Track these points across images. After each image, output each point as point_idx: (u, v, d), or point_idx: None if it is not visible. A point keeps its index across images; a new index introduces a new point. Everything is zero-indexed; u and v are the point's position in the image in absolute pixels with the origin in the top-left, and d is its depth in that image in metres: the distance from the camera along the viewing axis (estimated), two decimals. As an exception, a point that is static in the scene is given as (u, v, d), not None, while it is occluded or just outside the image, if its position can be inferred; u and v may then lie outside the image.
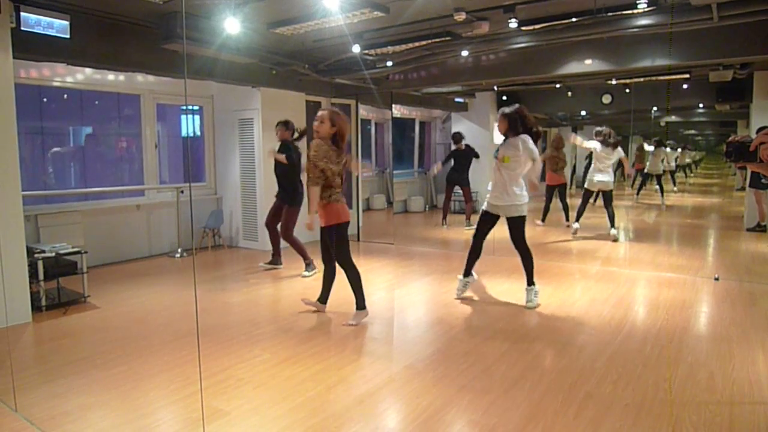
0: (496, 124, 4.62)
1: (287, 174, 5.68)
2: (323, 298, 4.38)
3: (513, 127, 4.37)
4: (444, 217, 8.98)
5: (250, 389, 2.99)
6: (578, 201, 8.76)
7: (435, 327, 4.08)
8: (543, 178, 8.81)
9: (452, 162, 8.92)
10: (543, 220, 8.82)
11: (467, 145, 8.94)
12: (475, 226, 4.65)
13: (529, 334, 3.88)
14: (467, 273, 4.72)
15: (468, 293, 4.85)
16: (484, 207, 4.57)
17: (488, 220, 4.55)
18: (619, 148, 7.49)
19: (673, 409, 2.73)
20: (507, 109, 4.41)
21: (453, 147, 8.96)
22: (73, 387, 3.04)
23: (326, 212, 4.03)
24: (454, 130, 11.23)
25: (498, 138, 4.75)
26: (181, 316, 4.35)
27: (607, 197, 7.40)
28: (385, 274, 5.85)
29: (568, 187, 9.19)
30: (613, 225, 7.38)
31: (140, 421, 2.66)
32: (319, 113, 4.05)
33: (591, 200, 7.80)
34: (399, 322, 4.30)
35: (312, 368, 3.28)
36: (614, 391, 2.92)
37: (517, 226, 4.42)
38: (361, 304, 4.14)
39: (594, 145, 7.36)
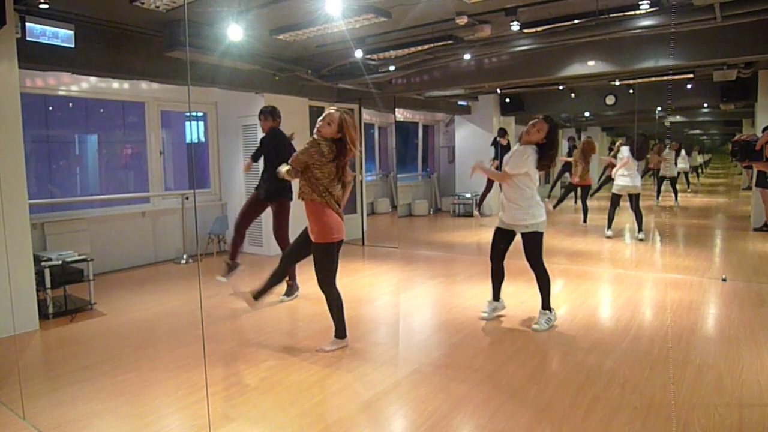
0: (523, 131, 3.92)
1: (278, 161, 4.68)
2: (259, 294, 3.80)
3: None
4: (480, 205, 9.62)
5: (256, 395, 2.99)
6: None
7: (441, 331, 4.07)
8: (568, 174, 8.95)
9: (496, 155, 9.18)
10: (555, 207, 8.93)
11: (509, 141, 9.20)
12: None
13: (535, 337, 3.86)
14: (496, 297, 4.34)
15: (473, 297, 4.84)
16: (497, 224, 4.12)
17: (500, 235, 4.11)
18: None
19: (681, 412, 2.71)
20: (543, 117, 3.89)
21: (499, 141, 9.23)
22: (80, 394, 3.05)
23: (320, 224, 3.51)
24: (458, 132, 11.28)
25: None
26: (186, 323, 4.36)
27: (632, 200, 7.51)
28: (390, 278, 5.84)
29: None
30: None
31: (147, 428, 2.67)
32: (329, 113, 3.46)
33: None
34: (404, 326, 4.29)
35: (318, 374, 3.28)
36: (622, 394, 2.90)
37: (533, 242, 3.95)
38: (341, 333, 3.71)
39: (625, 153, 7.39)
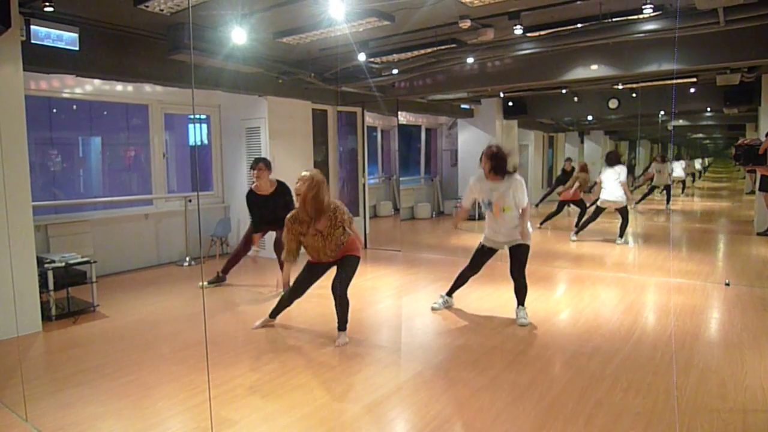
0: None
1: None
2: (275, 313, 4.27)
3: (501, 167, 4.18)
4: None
5: (258, 398, 2.99)
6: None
7: (443, 335, 4.06)
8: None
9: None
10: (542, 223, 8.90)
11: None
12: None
13: (537, 341, 3.86)
14: (450, 293, 4.65)
15: (475, 301, 4.84)
16: (482, 241, 4.39)
17: (487, 253, 4.39)
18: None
19: (684, 417, 2.70)
20: (494, 148, 4.22)
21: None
22: (83, 396, 3.05)
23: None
24: (460, 136, 11.28)
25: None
26: (189, 325, 4.36)
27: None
28: (392, 282, 5.84)
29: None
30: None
31: (149, 430, 2.67)
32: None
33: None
34: (407, 329, 4.29)
35: (320, 377, 3.28)
36: (624, 399, 2.90)
37: (521, 254, 4.22)
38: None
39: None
